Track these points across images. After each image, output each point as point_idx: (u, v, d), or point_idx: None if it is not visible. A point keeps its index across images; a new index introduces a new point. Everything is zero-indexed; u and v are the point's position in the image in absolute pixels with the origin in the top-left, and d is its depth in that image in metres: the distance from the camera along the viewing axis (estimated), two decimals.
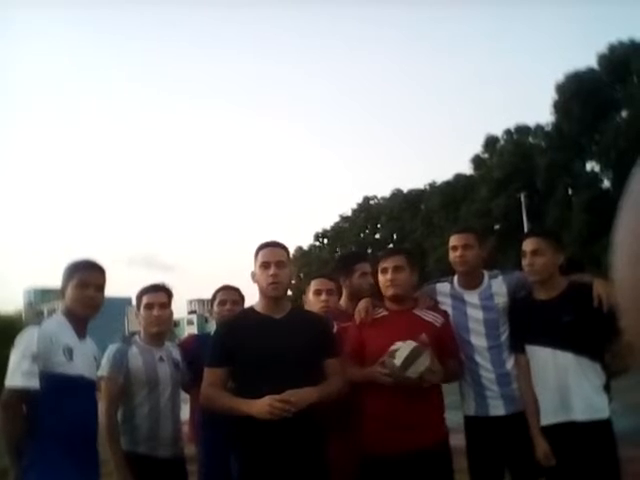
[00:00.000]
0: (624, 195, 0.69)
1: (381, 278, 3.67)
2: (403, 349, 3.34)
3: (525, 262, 3.63)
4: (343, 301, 4.11)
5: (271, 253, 3.34)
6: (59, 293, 3.49)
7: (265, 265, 3.30)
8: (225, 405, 3.23)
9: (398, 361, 3.32)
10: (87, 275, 3.42)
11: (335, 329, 3.80)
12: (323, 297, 3.94)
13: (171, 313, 4.00)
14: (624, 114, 34.14)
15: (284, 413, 3.00)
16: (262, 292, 3.35)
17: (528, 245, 3.63)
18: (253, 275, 3.37)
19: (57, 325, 3.35)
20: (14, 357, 3.17)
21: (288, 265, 3.40)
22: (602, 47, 35.09)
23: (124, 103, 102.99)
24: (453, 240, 3.85)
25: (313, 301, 3.98)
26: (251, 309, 3.48)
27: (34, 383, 3.10)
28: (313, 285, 4.04)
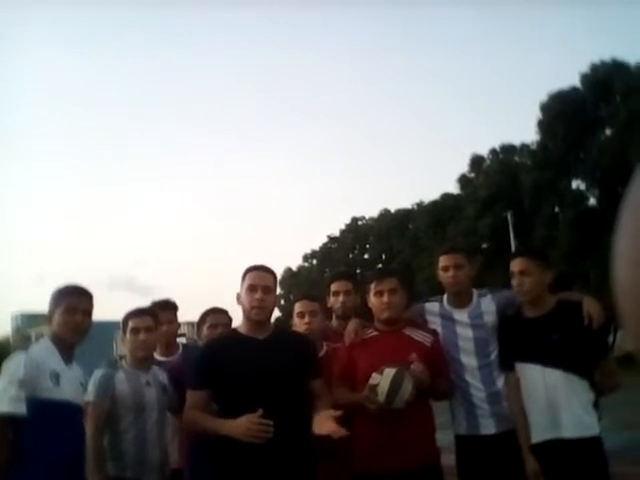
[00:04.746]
0: (625, 198, 0.70)
1: (375, 301, 3.65)
2: (383, 383, 3.30)
3: (514, 282, 3.64)
4: (334, 320, 4.12)
5: (258, 277, 3.35)
6: (46, 318, 3.47)
7: (251, 288, 3.30)
8: (206, 427, 3.22)
9: (381, 397, 3.29)
10: (75, 301, 3.40)
11: (325, 350, 3.79)
12: (306, 319, 3.92)
13: (158, 337, 3.99)
14: (608, 132, 34.44)
15: (262, 434, 2.99)
16: (246, 315, 3.35)
17: (516, 265, 3.64)
18: (238, 297, 3.38)
19: (44, 350, 3.33)
20: (0, 383, 3.15)
21: (274, 290, 3.42)
22: (584, 66, 35.54)
23: (106, 119, 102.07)
24: (443, 260, 3.85)
25: (297, 323, 3.97)
26: (234, 331, 3.49)
27: (21, 409, 3.08)
28: (296, 307, 4.03)
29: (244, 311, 3.35)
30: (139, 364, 3.79)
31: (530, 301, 3.62)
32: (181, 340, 4.75)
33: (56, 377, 3.23)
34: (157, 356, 4.33)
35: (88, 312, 3.46)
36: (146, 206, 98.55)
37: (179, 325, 4.56)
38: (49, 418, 3.16)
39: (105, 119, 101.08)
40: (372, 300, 3.68)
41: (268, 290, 3.33)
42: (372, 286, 3.67)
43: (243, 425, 3.03)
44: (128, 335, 3.81)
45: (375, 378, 3.33)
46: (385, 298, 3.61)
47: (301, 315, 3.94)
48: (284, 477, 3.13)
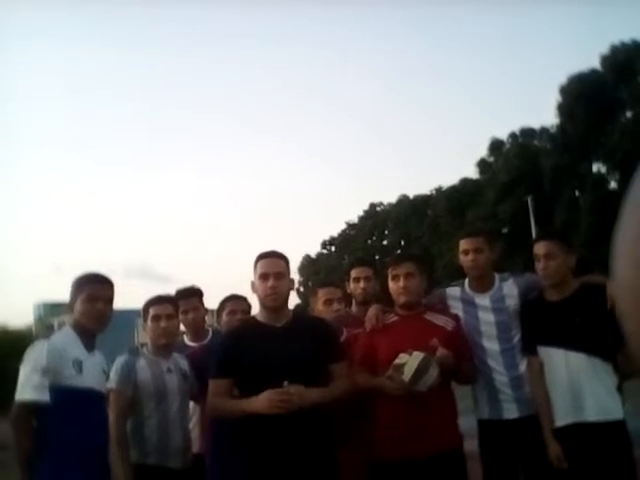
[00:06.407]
0: (626, 198, 0.69)
1: (393, 285, 3.65)
2: (410, 363, 3.29)
3: (539, 266, 3.60)
4: (354, 307, 4.12)
5: (270, 264, 3.33)
6: (68, 307, 3.49)
7: (264, 276, 3.30)
8: (231, 410, 3.25)
9: (407, 377, 3.28)
10: (96, 289, 3.42)
11: (345, 336, 3.79)
12: (335, 306, 3.91)
13: (178, 324, 4.03)
14: (629, 115, 34.06)
15: (285, 404, 3.02)
16: (261, 303, 3.36)
17: (540, 248, 3.60)
18: (253, 285, 3.38)
19: (66, 338, 3.36)
20: (24, 371, 3.18)
21: (287, 276, 3.40)
22: (604, 48, 35.11)
23: (116, 110, 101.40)
24: (464, 244, 3.83)
25: (324, 310, 3.95)
26: (253, 319, 3.50)
27: (44, 396, 3.11)
28: (322, 294, 4.01)
29: (259, 299, 3.36)
30: (160, 351, 3.82)
31: (554, 284, 3.59)
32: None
33: (79, 365, 3.25)
34: (187, 342, 4.38)
35: (109, 300, 3.47)
36: (161, 194, 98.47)
37: (206, 311, 4.56)
38: (72, 406, 3.18)
39: (122, 111, 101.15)
40: (390, 285, 3.67)
41: (280, 276, 3.32)
42: (389, 271, 3.67)
43: (265, 398, 3.06)
44: (149, 322, 3.83)
45: (402, 358, 3.32)
46: (401, 282, 3.59)
47: (329, 302, 3.93)
48: (305, 462, 3.14)
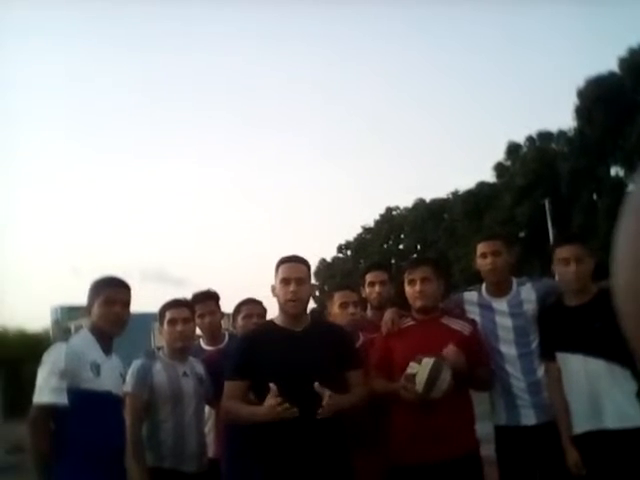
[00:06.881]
0: (626, 199, 0.69)
1: (409, 289, 3.63)
2: (421, 372, 3.28)
3: (566, 270, 3.54)
4: (369, 311, 4.11)
5: (291, 269, 3.34)
6: (85, 310, 3.51)
7: (285, 281, 3.30)
8: (241, 415, 3.26)
9: (419, 387, 3.27)
10: (113, 292, 3.44)
11: (362, 340, 3.78)
12: (351, 310, 3.90)
13: (194, 327, 4.03)
14: None
15: (285, 413, 3.02)
16: (281, 308, 3.36)
17: (568, 252, 3.55)
18: (273, 289, 3.38)
19: (84, 341, 3.37)
20: (42, 374, 3.20)
21: (308, 281, 3.41)
22: (622, 51, 34.89)
23: (130, 113, 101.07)
24: (482, 247, 3.81)
25: (340, 314, 3.94)
26: (271, 322, 3.49)
27: (62, 399, 3.12)
28: (338, 298, 4.00)
29: (279, 304, 3.36)
30: (176, 355, 3.82)
31: (577, 289, 3.56)
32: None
33: (97, 368, 3.27)
34: (204, 345, 4.39)
35: (127, 303, 3.49)
36: (177, 197, 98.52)
37: (223, 314, 4.56)
38: (90, 408, 3.19)
39: (136, 113, 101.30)
40: (406, 289, 3.66)
41: (302, 282, 3.32)
42: (406, 275, 3.66)
43: (265, 409, 3.07)
44: (165, 326, 3.84)
45: (413, 367, 3.31)
46: (418, 287, 3.58)
47: (345, 305, 3.92)
48: (320, 467, 3.13)
